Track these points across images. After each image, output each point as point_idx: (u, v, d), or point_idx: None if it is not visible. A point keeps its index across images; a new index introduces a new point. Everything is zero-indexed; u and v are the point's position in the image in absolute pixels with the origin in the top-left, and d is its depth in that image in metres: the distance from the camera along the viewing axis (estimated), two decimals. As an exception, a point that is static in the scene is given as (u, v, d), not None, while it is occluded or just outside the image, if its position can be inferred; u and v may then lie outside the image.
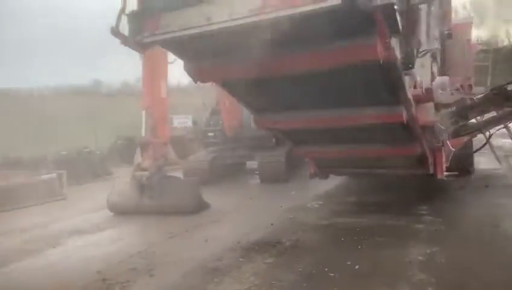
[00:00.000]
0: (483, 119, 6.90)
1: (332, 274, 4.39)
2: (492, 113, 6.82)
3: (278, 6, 2.43)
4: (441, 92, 4.85)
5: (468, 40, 8.89)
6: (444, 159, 5.94)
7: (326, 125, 4.46)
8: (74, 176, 12.79)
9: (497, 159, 11.44)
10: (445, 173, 6.09)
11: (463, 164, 9.48)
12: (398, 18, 2.76)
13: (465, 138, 6.91)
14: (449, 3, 5.96)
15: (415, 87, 4.06)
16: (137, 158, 16.15)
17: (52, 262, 5.53)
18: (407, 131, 4.62)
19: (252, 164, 12.22)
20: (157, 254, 5.46)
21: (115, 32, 2.70)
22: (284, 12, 2.40)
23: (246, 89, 3.96)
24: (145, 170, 7.75)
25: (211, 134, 12.45)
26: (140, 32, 2.74)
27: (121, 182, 8.13)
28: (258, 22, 2.47)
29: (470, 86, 8.91)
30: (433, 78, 4.66)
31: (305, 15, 2.38)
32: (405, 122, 4.02)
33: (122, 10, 2.72)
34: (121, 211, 7.96)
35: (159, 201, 7.63)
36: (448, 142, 6.58)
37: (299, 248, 5.37)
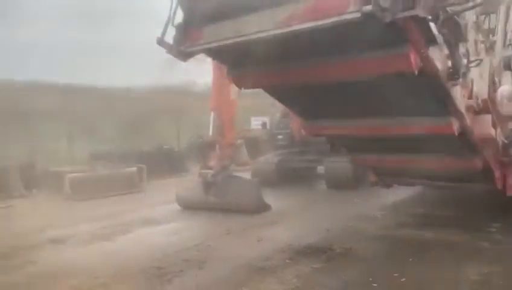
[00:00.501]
0: None
1: (375, 284, 4.32)
2: None
3: (301, 19, 2.52)
4: (506, 102, 4.53)
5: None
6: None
7: (374, 134, 4.40)
8: (154, 171, 13.78)
9: None
10: (517, 191, 5.63)
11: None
12: (434, 28, 2.70)
13: None
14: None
15: (470, 98, 3.87)
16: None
17: (119, 247, 6.09)
18: (465, 143, 4.39)
19: (322, 169, 12.15)
20: (211, 249, 5.76)
21: (161, 41, 2.98)
22: (307, 25, 2.48)
23: (289, 96, 4.06)
24: (211, 168, 8.14)
25: (280, 136, 12.60)
26: (183, 42, 2.99)
27: (189, 179, 8.57)
28: (284, 33, 2.58)
29: None
30: (495, 89, 4.36)
31: (331, 26, 2.45)
32: (456, 134, 3.85)
33: (169, 21, 2.99)
34: (188, 206, 8.44)
35: (222, 199, 7.97)
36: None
37: (349, 256, 5.33)
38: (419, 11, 2.38)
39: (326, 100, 4.03)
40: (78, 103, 17.54)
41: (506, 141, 4.72)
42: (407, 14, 2.37)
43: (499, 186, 5.48)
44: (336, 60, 2.97)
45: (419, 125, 3.94)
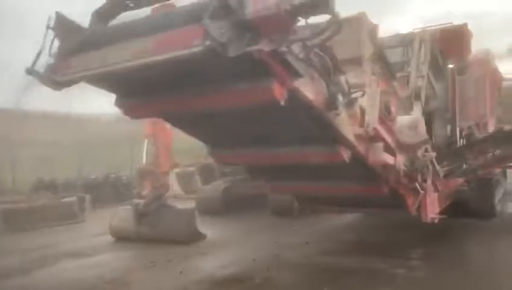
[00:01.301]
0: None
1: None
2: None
3: (153, 51, 2.55)
4: (406, 131, 4.69)
5: (483, 76, 8.52)
6: (430, 201, 5.65)
7: (274, 162, 4.45)
8: (99, 200, 13.43)
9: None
10: (432, 216, 5.76)
11: (482, 206, 8.96)
12: (295, 61, 2.78)
13: (460, 180, 6.53)
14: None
15: (362, 126, 3.98)
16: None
17: (33, 282, 5.81)
18: (366, 170, 4.50)
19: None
20: (127, 282, 5.59)
21: (31, 71, 2.94)
22: (155, 58, 2.51)
23: (186, 125, 4.05)
24: (143, 198, 7.99)
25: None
26: (55, 72, 2.96)
27: (123, 209, 8.37)
28: (138, 65, 2.60)
29: (486, 124, 8.54)
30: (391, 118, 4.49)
31: (186, 58, 2.47)
32: (347, 161, 3.94)
33: (40, 52, 2.96)
34: (121, 237, 8.21)
35: (154, 229, 7.79)
36: (438, 183, 6.29)
37: (265, 286, 5.28)
38: (265, 46, 2.44)
39: (223, 129, 4.05)
40: (26, 129, 17.05)
41: (409, 168, 4.85)
42: (250, 49, 2.42)
43: (413, 212, 5.60)
44: (209, 90, 3.00)
45: (311, 154, 4.02)
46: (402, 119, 4.95)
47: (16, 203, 10.64)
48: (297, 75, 2.86)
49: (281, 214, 10.15)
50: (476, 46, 8.68)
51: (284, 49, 2.62)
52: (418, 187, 5.32)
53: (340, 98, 3.39)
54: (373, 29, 4.59)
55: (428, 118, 7.62)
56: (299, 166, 4.43)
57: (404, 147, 4.75)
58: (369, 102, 4.10)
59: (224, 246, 7.51)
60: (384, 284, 5.14)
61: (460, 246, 6.85)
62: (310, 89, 3.13)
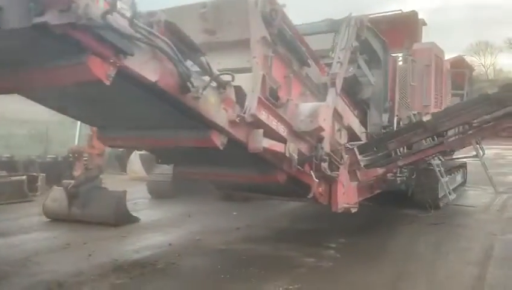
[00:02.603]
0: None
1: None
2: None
3: None
4: (301, 119, 4.56)
5: (428, 66, 8.40)
6: (343, 191, 5.55)
7: (155, 146, 4.33)
8: (56, 180, 13.24)
9: (494, 187, 10.77)
10: (345, 206, 5.67)
11: (425, 197, 8.92)
12: (117, 38, 2.61)
13: (381, 170, 6.43)
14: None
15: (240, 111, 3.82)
16: (131, 165, 16.49)
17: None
18: (255, 158, 4.37)
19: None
20: (32, 263, 5.47)
21: None
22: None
23: (62, 104, 3.85)
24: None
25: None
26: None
27: (57, 189, 8.23)
28: None
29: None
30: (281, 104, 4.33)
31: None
32: (221, 147, 3.80)
33: None
34: (54, 217, 8.09)
35: (84, 211, 7.69)
36: (359, 172, 6.20)
37: (165, 272, 5.20)
38: (52, 19, 2.28)
39: (99, 112, 3.90)
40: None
41: (304, 157, 4.72)
42: (36, 21, 2.26)
43: (323, 201, 5.51)
44: (31, 68, 2.83)
45: (184, 138, 3.89)
46: (304, 106, 4.81)
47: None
48: (122, 52, 2.70)
49: (227, 199, 10.04)
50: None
51: (96, 23, 2.45)
52: (325, 176, 5.23)
53: (194, 80, 3.23)
54: (276, 11, 4.39)
55: (362, 107, 7.54)
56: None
57: (298, 135, 4.62)
58: (250, 87, 3.95)
59: (151, 230, 7.41)
60: (285, 272, 5.06)
61: (385, 238, 6.77)
62: (150, 69, 2.97)
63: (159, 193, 10.93)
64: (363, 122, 7.53)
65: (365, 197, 6.69)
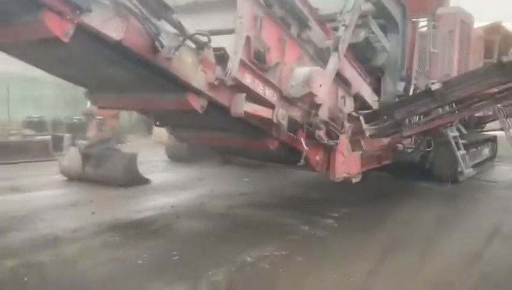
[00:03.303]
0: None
1: (140, 261, 4.28)
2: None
3: None
4: (292, 85, 4.38)
5: (451, 32, 7.89)
6: (340, 160, 5.39)
7: (139, 108, 4.31)
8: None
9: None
10: (345, 175, 5.53)
11: (443, 171, 8.62)
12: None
13: (386, 140, 6.19)
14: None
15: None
16: (155, 129, 16.76)
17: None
18: (241, 122, 4.29)
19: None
20: (36, 219, 5.70)
21: None
22: None
23: (39, 65, 3.86)
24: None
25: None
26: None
27: (74, 149, 8.48)
28: None
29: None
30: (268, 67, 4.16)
31: None
32: (200, 111, 3.73)
33: None
34: (70, 177, 8.38)
35: (97, 171, 7.92)
36: (363, 142, 6.00)
37: (157, 232, 5.29)
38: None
39: (84, 73, 3.86)
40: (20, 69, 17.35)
41: (295, 123, 4.59)
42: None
43: (319, 170, 5.39)
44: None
45: (164, 101, 3.84)
46: (298, 71, 4.63)
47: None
48: (78, 8, 2.64)
49: (242, 166, 10.06)
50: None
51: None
52: (321, 144, 5.10)
53: (167, 40, 3.15)
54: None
55: (376, 74, 7.22)
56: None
57: (290, 101, 4.47)
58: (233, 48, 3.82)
59: (159, 192, 7.55)
60: (277, 238, 5.04)
61: (390, 209, 6.60)
62: (113, 27, 2.89)
63: (176, 157, 11.09)
64: (377, 91, 7.24)
65: (371, 168, 6.50)
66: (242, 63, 3.81)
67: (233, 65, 3.77)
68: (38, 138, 11.59)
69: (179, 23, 3.30)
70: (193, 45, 3.57)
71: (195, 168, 10.05)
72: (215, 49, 4.05)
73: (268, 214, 6.21)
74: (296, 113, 4.64)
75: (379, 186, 8.51)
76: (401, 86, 7.24)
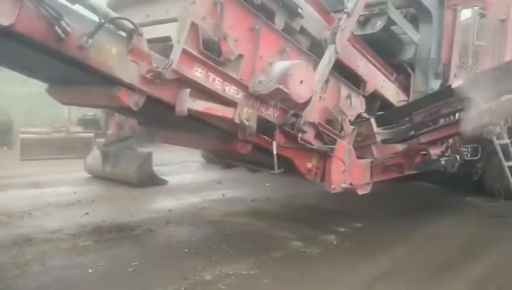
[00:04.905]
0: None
1: (91, 270, 3.95)
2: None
3: None
4: (260, 80, 3.76)
5: (503, 21, 6.70)
6: (339, 169, 4.65)
7: (81, 104, 3.98)
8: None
9: None
10: (344, 186, 4.77)
11: (494, 183, 7.41)
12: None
13: (401, 147, 5.30)
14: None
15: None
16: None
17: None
18: (205, 124, 3.79)
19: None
20: (27, 216, 5.68)
21: None
22: None
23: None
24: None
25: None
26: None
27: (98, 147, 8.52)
28: None
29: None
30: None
31: None
32: (133, 107, 3.27)
33: None
34: (92, 174, 8.43)
35: (114, 170, 7.85)
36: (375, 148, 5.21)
37: (134, 238, 4.95)
38: None
39: (33, 66, 3.58)
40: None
41: (267, 125, 3.98)
42: None
43: (312, 178, 4.72)
44: None
45: (98, 97, 3.43)
46: (276, 66, 4.02)
47: (38, 135, 11.45)
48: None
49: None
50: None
51: None
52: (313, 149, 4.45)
53: (77, 25, 2.76)
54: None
55: (406, 70, 6.33)
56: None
57: (261, 99, 3.87)
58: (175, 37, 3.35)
59: (168, 194, 7.30)
60: (256, 254, 4.45)
61: (413, 226, 5.69)
62: (2, 10, 2.54)
63: (210, 158, 10.78)
64: (408, 89, 6.34)
65: (388, 178, 5.62)
66: (186, 54, 3.31)
67: (174, 56, 3.28)
68: (82, 135, 11.92)
69: (93, 6, 2.88)
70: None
71: (223, 170, 9.65)
72: (161, 39, 3.63)
73: (267, 224, 5.63)
74: (270, 113, 4.02)
75: (416, 199, 7.51)
76: (437, 83, 6.27)
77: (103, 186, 7.68)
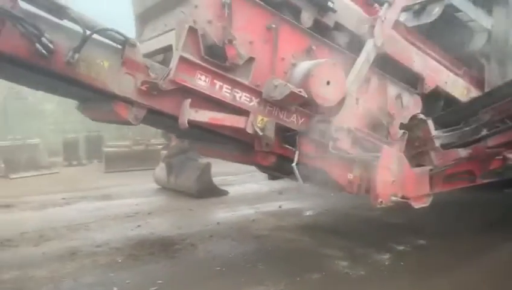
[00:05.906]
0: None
1: (116, 288, 3.90)
2: None
3: None
4: (275, 84, 3.33)
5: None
6: (386, 179, 4.06)
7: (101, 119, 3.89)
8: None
9: None
10: (394, 199, 4.15)
11: None
12: None
13: (465, 152, 4.48)
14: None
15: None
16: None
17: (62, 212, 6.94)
18: (217, 134, 3.53)
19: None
20: (83, 229, 5.89)
21: None
22: None
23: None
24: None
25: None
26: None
27: (167, 159, 8.71)
28: None
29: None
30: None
31: None
32: (134, 123, 3.08)
33: None
34: (160, 185, 8.66)
35: (177, 181, 7.96)
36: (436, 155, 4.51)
37: (173, 254, 4.81)
38: None
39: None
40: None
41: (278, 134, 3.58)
42: None
43: (355, 192, 4.18)
44: None
45: (102, 112, 3.34)
46: (299, 67, 3.64)
47: (121, 148, 12.15)
48: None
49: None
50: None
51: None
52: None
53: (61, 40, 2.69)
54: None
55: (479, 62, 5.46)
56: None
57: (277, 105, 3.50)
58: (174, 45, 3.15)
59: (225, 205, 7.15)
60: (293, 275, 4.06)
61: (488, 249, 4.81)
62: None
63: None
64: (481, 83, 5.46)
65: (455, 188, 4.82)
66: (184, 61, 3.09)
67: (173, 64, 3.08)
68: (151, 147, 12.37)
69: (79, 18, 2.77)
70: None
71: (289, 180, 9.25)
72: (167, 48, 3.45)
73: (314, 241, 5.17)
74: (292, 120, 3.63)
75: (502, 211, 6.43)
76: (514, 76, 5.30)
77: (166, 198, 7.80)
